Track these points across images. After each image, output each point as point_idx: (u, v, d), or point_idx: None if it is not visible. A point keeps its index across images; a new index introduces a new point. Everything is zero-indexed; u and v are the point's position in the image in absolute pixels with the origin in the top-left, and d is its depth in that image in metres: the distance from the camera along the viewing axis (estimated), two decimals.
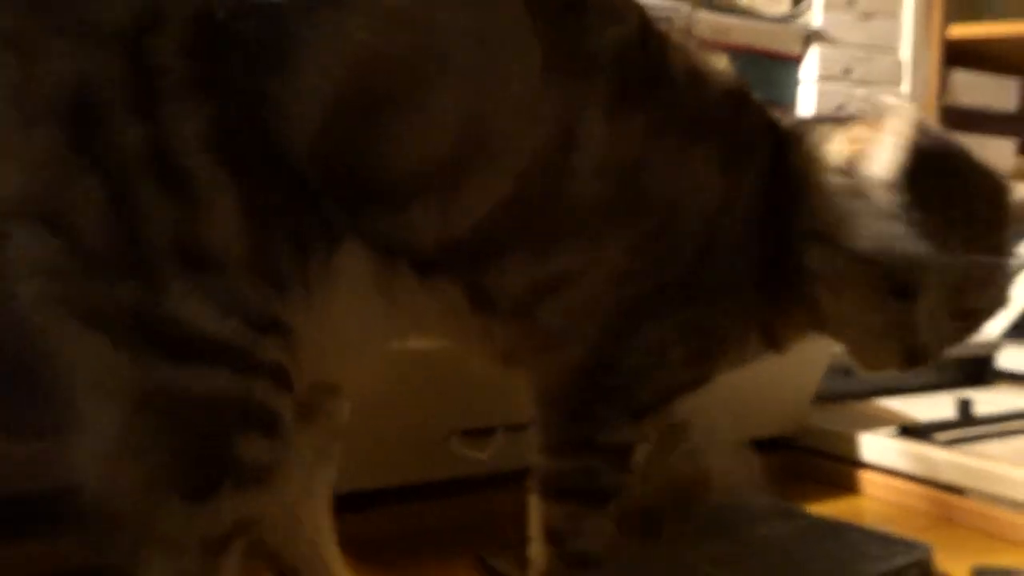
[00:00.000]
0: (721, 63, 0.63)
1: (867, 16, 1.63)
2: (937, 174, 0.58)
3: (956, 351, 1.43)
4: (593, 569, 0.60)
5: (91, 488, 0.49)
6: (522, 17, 0.52)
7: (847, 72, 1.63)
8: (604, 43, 0.54)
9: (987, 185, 0.60)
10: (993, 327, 1.59)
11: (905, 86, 1.70)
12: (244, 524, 0.51)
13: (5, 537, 0.70)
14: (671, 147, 0.57)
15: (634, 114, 0.55)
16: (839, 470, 1.13)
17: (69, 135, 0.46)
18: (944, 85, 1.74)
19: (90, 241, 0.47)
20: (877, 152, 0.58)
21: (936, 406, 1.24)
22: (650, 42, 0.57)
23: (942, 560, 0.88)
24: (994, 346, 1.49)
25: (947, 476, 1.04)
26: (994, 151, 1.83)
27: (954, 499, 1.04)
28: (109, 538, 0.50)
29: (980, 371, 1.45)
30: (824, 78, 1.53)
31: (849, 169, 0.59)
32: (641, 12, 0.58)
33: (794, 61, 1.50)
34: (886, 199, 0.57)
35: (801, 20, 1.53)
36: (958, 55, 1.73)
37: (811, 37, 1.53)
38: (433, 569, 0.78)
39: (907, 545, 0.87)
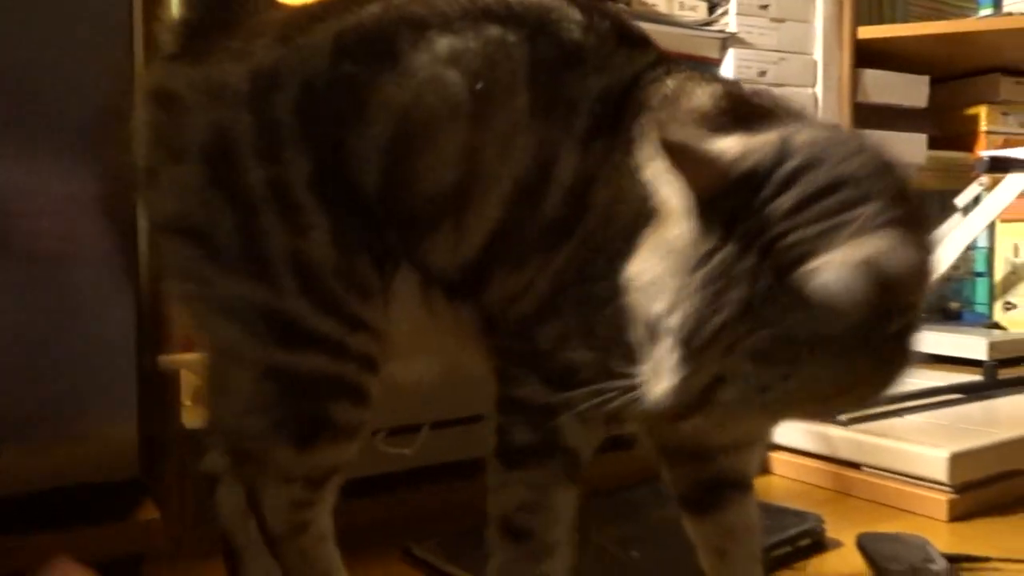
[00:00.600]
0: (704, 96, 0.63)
1: (780, 21, 1.71)
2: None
3: None
4: (524, 538, 0.62)
5: (228, 430, 0.69)
6: (520, 70, 0.63)
7: (762, 74, 1.71)
8: (585, 91, 0.63)
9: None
10: None
11: (818, 86, 1.79)
12: (337, 466, 0.67)
13: None
14: (616, 162, 0.62)
15: (597, 142, 0.62)
16: None
17: (206, 173, 0.63)
18: (856, 84, 1.83)
19: (225, 253, 0.63)
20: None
21: None
22: (633, 88, 0.63)
23: (834, 529, 0.96)
24: None
25: (845, 453, 1.13)
26: (906, 146, 1.93)
27: (850, 473, 1.12)
28: (239, 468, 0.70)
29: None
30: (741, 80, 1.61)
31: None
32: (639, 64, 0.65)
33: (712, 64, 1.57)
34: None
35: (717, 26, 1.61)
36: (868, 55, 1.82)
37: (727, 42, 1.61)
38: (360, 563, 0.82)
39: (799, 516, 0.95)
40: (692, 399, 0.49)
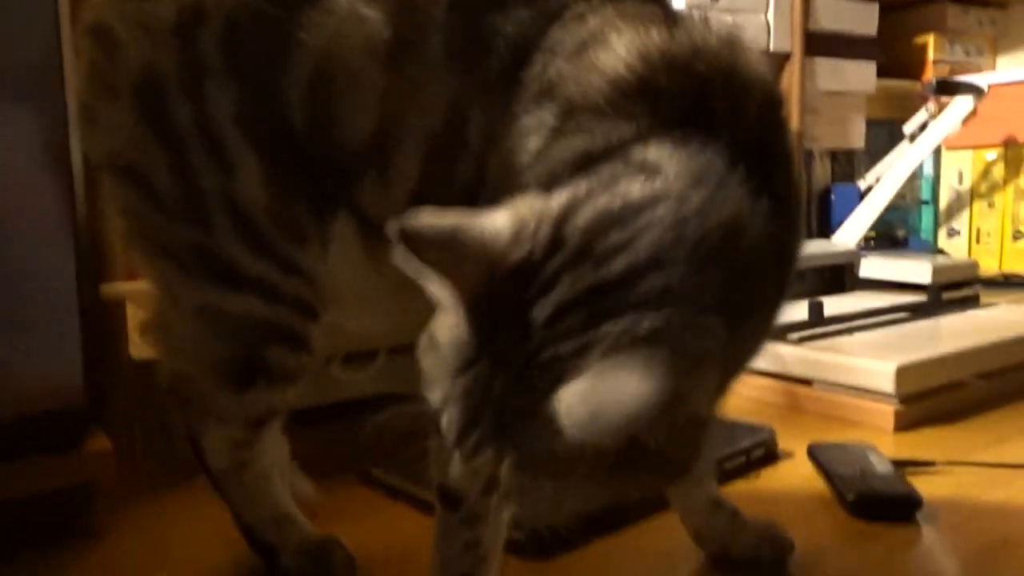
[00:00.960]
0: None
1: None
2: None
3: (818, 262, 1.55)
4: (456, 503, 0.60)
5: (169, 369, 0.69)
6: (439, 4, 0.58)
7: (715, 0, 1.70)
8: (504, 29, 0.56)
9: None
10: (849, 240, 1.71)
11: (770, 12, 1.78)
12: (275, 409, 0.68)
13: None
14: (509, 116, 0.56)
15: (503, 93, 0.56)
16: None
17: (139, 110, 0.61)
18: (807, 11, 1.83)
19: (159, 192, 0.62)
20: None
21: (793, 311, 1.34)
22: (554, 23, 0.56)
23: (786, 441, 0.98)
24: (853, 256, 1.61)
25: (796, 370, 1.15)
26: (856, 73, 1.95)
27: (802, 389, 1.15)
28: (183, 409, 0.69)
29: (839, 280, 1.57)
30: (692, 6, 1.59)
31: None
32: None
33: None
34: None
35: None
36: None
37: None
38: (320, 489, 0.82)
39: (752, 429, 0.97)
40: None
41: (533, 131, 0.54)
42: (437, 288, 0.45)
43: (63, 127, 0.75)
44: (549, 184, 0.49)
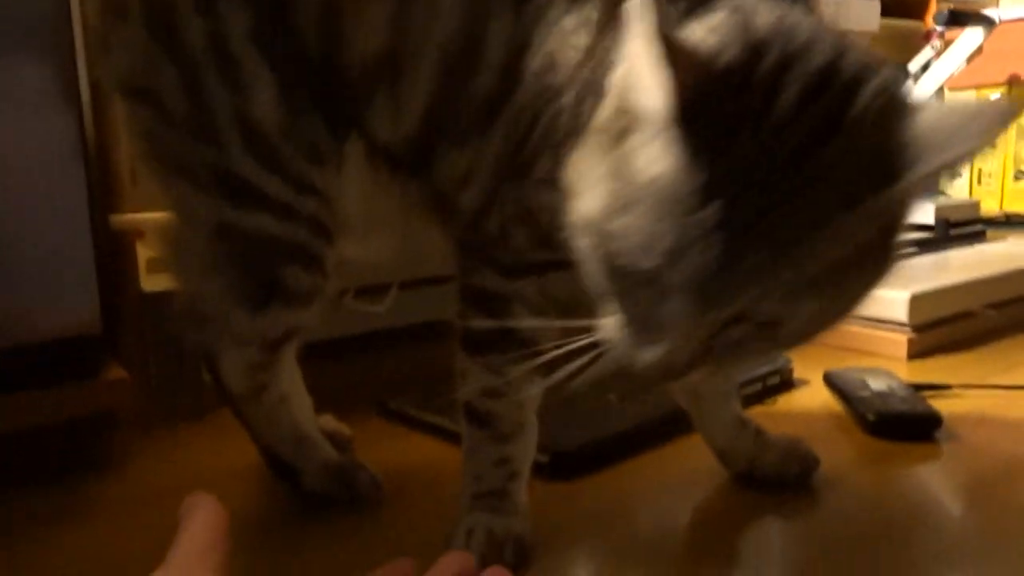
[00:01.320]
0: None
1: None
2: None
3: None
4: (487, 422, 0.61)
5: (185, 292, 0.68)
6: None
7: None
8: None
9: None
10: None
11: None
12: (291, 331, 0.67)
13: None
14: (549, 20, 0.55)
15: (530, 4, 0.55)
16: None
17: (150, 28, 0.60)
18: None
19: (173, 111, 0.61)
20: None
21: None
22: None
23: (801, 371, 0.98)
24: None
25: None
26: (859, 12, 1.91)
27: None
28: (200, 333, 0.68)
29: None
30: None
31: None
32: None
33: None
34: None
35: None
36: None
37: None
38: (338, 419, 0.82)
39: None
40: (697, 353, 0.43)
41: (580, 28, 0.53)
42: (649, 98, 0.40)
43: (71, 59, 0.74)
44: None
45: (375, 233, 0.70)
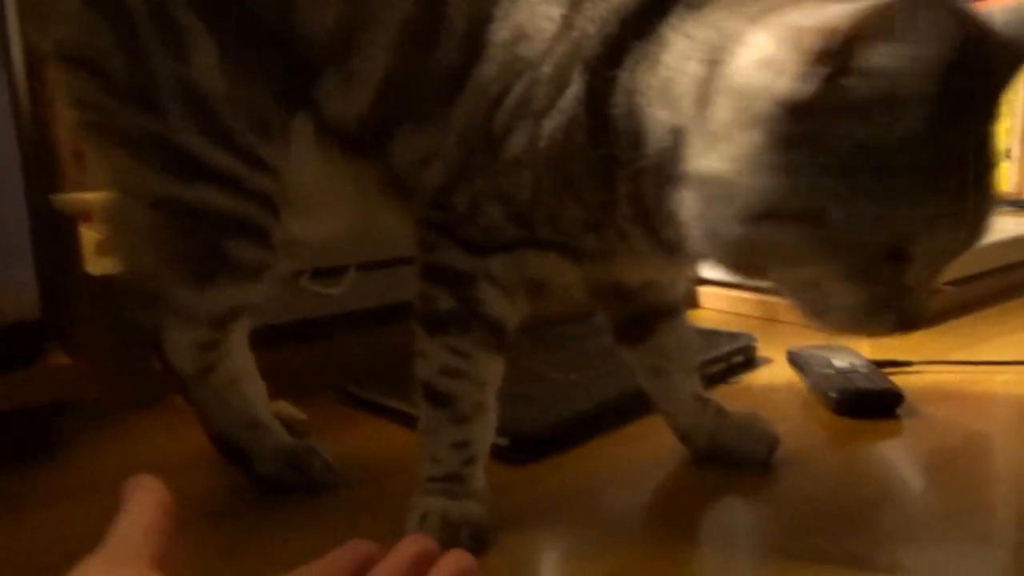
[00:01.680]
0: None
1: None
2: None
3: None
4: (446, 403, 0.59)
5: (129, 270, 0.65)
6: None
7: None
8: None
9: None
10: None
11: None
12: (239, 308, 0.65)
13: None
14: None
15: None
16: None
17: None
18: None
19: (112, 79, 0.58)
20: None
21: None
22: None
23: (765, 349, 0.98)
24: None
25: None
26: None
27: (777, 300, 1.13)
28: (146, 312, 0.65)
29: None
30: None
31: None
32: None
33: None
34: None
35: None
36: None
37: None
38: (295, 405, 0.80)
39: (731, 336, 0.96)
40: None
41: None
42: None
43: (1, 25, 0.71)
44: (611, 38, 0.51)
45: (328, 212, 0.68)
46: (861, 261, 0.45)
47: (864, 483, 0.68)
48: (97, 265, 0.83)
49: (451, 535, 0.55)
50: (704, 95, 0.47)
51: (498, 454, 0.70)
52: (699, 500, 0.66)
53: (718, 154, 0.46)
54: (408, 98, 0.58)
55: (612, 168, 0.53)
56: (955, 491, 0.67)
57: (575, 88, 0.52)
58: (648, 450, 0.74)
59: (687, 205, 0.48)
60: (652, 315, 0.69)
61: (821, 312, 0.49)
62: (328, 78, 0.58)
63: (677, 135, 0.49)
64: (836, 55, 0.41)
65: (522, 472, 0.70)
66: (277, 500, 0.66)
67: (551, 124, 0.53)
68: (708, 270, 1.18)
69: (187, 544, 0.59)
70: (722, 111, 0.46)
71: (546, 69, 0.53)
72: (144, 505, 0.40)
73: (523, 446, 0.72)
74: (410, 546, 0.44)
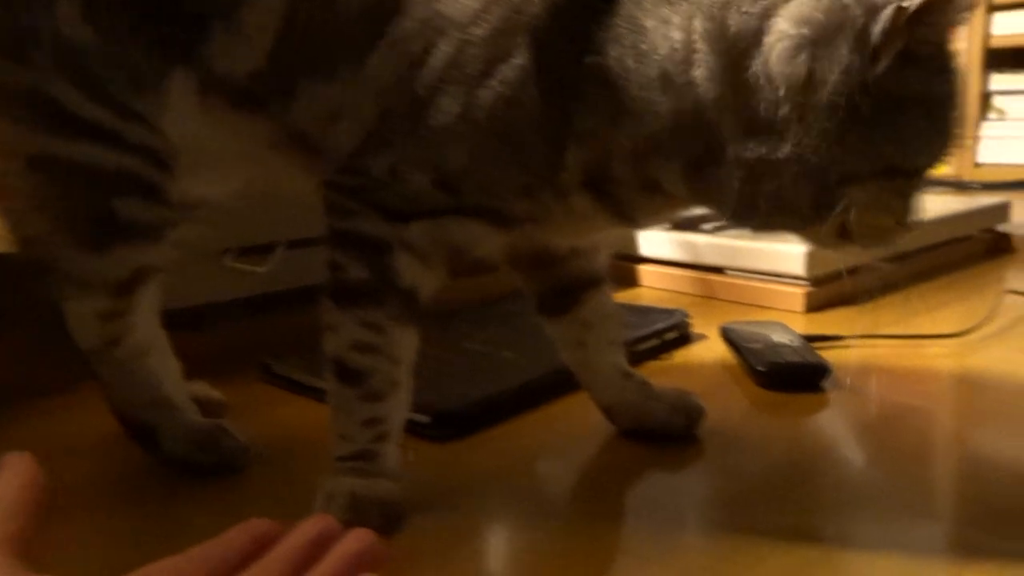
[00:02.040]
0: None
1: None
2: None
3: None
4: (358, 380, 0.56)
5: (18, 238, 0.62)
6: None
7: None
8: None
9: None
10: None
11: None
12: (142, 271, 0.62)
13: None
14: None
15: None
16: (620, 267, 1.21)
17: None
18: None
19: None
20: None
21: None
22: None
23: (700, 325, 0.98)
24: None
25: (709, 258, 1.14)
26: None
27: (715, 278, 1.14)
28: (45, 283, 0.62)
29: None
30: None
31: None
32: None
33: None
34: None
35: None
36: None
37: None
38: (218, 385, 0.77)
39: (665, 313, 0.96)
40: None
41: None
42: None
43: None
44: None
45: (220, 169, 0.65)
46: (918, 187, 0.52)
47: (791, 456, 0.68)
48: (8, 241, 0.79)
49: (361, 515, 0.53)
50: (737, 83, 0.48)
51: (419, 431, 0.69)
52: (627, 475, 0.65)
53: (785, 138, 0.47)
54: (312, 50, 0.55)
55: (564, 136, 0.52)
56: (877, 462, 0.67)
57: (520, 61, 0.50)
58: (573, 426, 0.73)
59: (731, 182, 0.49)
60: (577, 285, 0.68)
61: (879, 241, 0.53)
62: (214, 33, 0.55)
63: (693, 117, 0.49)
64: (903, 30, 0.45)
65: (443, 450, 0.69)
66: (188, 482, 0.64)
67: (490, 95, 0.51)
68: (647, 247, 1.19)
69: (76, 527, 0.57)
70: (774, 96, 0.47)
71: (478, 31, 0.51)
72: (8, 485, 0.37)
73: (445, 424, 0.70)
74: (311, 526, 0.43)
